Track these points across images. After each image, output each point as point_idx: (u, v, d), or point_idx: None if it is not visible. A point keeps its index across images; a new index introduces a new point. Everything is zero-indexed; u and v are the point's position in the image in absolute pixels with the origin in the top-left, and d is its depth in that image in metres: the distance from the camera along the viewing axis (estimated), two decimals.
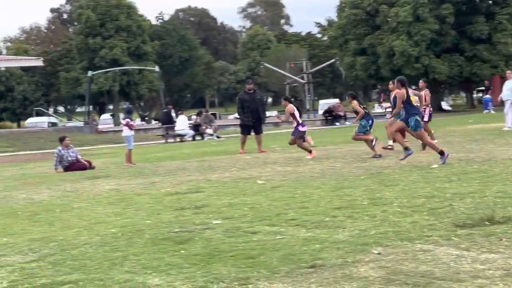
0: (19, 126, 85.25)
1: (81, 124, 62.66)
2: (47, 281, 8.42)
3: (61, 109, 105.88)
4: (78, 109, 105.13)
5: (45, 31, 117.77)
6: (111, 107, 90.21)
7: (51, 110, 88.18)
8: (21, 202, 16.36)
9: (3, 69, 61.88)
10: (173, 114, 49.86)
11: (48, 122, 70.32)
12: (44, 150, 40.98)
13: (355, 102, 21.37)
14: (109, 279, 8.28)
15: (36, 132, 52.71)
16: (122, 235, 10.93)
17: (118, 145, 41.37)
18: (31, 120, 77.29)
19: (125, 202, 14.81)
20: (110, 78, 73.37)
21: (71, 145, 25.19)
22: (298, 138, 22.35)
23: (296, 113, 22.63)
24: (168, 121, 47.17)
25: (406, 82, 18.76)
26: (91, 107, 67.10)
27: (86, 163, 24.71)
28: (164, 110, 51.08)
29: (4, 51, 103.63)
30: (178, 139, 44.22)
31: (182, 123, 44.88)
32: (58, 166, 24.56)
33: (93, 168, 24.26)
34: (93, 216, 13.22)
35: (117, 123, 68.89)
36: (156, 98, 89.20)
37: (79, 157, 25.03)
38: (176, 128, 44.89)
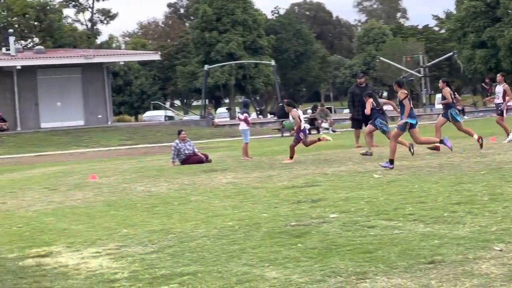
0: (136, 119, 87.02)
1: (197, 117, 63.44)
2: (166, 272, 8.55)
3: (177, 102, 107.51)
4: (194, 103, 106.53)
5: (162, 25, 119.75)
6: (227, 100, 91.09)
7: (167, 104, 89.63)
8: (140, 194, 16.67)
9: (122, 63, 63.14)
10: None
11: (165, 116, 71.44)
12: (161, 144, 41.68)
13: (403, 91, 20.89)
14: (227, 271, 8.34)
15: (153, 126, 53.67)
16: (239, 228, 11.00)
17: (234, 138, 41.74)
18: (148, 114, 78.69)
19: (242, 196, 14.90)
20: (226, 72, 74.06)
21: (187, 139, 25.49)
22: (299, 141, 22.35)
23: (301, 117, 22.85)
24: (284, 115, 47.24)
25: (404, 84, 19.36)
26: (207, 100, 67.83)
27: (203, 156, 24.96)
28: (280, 104, 51.25)
29: (123, 46, 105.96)
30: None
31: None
32: (175, 159, 24.90)
33: (209, 161, 24.50)
34: (210, 209, 13.35)
35: (233, 116, 69.52)
36: (272, 92, 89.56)
37: (196, 150, 25.30)
38: None
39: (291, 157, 21.97)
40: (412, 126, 18.72)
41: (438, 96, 29.36)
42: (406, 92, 18.78)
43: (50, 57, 52.68)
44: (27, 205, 16.22)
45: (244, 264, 8.64)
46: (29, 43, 74.54)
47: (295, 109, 22.75)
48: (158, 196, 16.06)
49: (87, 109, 53.53)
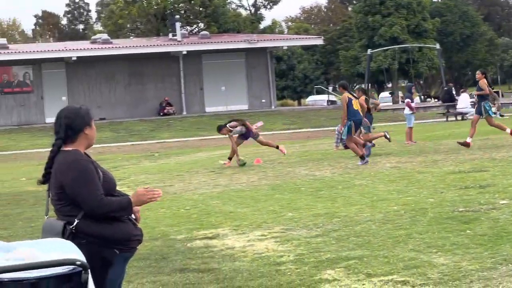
0: (299, 104, 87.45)
1: None
2: (331, 256, 8.52)
3: None
4: (357, 87, 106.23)
5: (325, 10, 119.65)
6: (389, 85, 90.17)
7: (330, 88, 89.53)
8: (304, 178, 16.71)
9: (285, 48, 63.47)
10: (454, 92, 48.83)
11: (327, 100, 71.46)
12: (324, 128, 41.70)
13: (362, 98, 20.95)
14: (394, 256, 8.23)
15: (316, 110, 53.76)
16: (405, 213, 10.84)
17: (398, 123, 41.22)
18: (311, 98, 78.88)
19: (407, 180, 14.69)
20: (389, 56, 73.21)
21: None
22: None
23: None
24: (449, 99, 46.34)
25: (347, 86, 19.64)
26: (369, 85, 67.33)
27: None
28: (445, 88, 50.22)
29: (286, 31, 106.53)
30: (459, 118, 43.33)
31: (464, 101, 43.87)
32: (338, 143, 24.86)
33: (373, 145, 24.26)
34: (375, 193, 13.22)
35: (395, 101, 68.74)
36: (436, 76, 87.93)
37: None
38: (457, 107, 43.98)
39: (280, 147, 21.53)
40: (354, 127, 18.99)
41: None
42: (350, 96, 19.20)
43: (214, 42, 53.57)
44: (194, 188, 16.57)
45: (411, 250, 8.50)
46: (195, 29, 76.11)
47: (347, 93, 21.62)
48: (322, 180, 16.05)
49: (251, 93, 54.18)
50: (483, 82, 21.04)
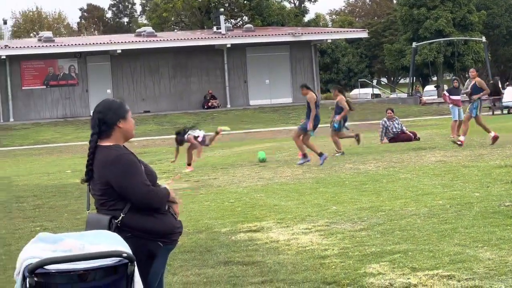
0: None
1: (404, 95, 62.63)
2: (376, 250, 8.49)
3: (384, 80, 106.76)
4: (401, 81, 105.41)
5: (369, 3, 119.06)
6: (434, 78, 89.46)
7: (374, 82, 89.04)
8: (348, 171, 16.66)
9: (329, 41, 63.17)
10: (500, 86, 48.33)
11: (372, 94, 71.09)
12: (368, 121, 41.50)
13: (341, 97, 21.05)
14: (439, 250, 8.17)
15: (360, 103, 53.52)
16: (450, 207, 10.76)
17: (443, 116, 40.92)
18: (355, 92, 78.55)
19: (452, 174, 14.57)
20: (434, 49, 72.59)
21: (395, 117, 25.28)
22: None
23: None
24: (495, 93, 45.90)
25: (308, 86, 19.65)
26: (414, 78, 66.83)
27: (411, 134, 24.68)
28: (491, 82, 49.73)
29: (330, 24, 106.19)
30: (505, 111, 42.89)
31: (510, 94, 43.44)
32: (383, 137, 24.78)
33: (418, 139, 24.15)
34: (420, 187, 13.14)
35: (440, 94, 68.17)
36: (482, 70, 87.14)
37: (404, 128, 25.07)
38: (503, 100, 43.55)
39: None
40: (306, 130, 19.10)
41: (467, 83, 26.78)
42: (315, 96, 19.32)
43: (259, 35, 53.54)
44: (238, 181, 16.59)
45: (457, 244, 8.44)
46: (239, 22, 76.17)
47: (343, 96, 21.34)
48: (367, 173, 15.99)
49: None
50: (480, 81, 20.86)
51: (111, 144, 5.41)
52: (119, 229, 5.16)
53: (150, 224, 5.28)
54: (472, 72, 21.51)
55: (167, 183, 5.36)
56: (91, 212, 5.46)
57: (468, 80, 22.98)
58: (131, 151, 5.52)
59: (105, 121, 5.41)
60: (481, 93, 20.86)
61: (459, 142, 20.38)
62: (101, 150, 5.38)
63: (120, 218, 5.24)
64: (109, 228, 5.16)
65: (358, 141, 21.54)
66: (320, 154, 18.71)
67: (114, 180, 5.27)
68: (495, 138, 20.26)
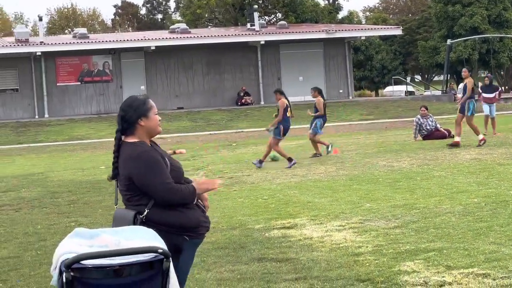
0: (377, 94, 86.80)
1: (438, 93, 62.27)
2: (410, 248, 8.44)
3: (418, 77, 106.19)
4: (435, 78, 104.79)
5: (404, 0, 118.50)
6: None
7: (408, 79, 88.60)
8: (382, 169, 16.59)
9: (363, 38, 62.94)
10: None
11: (406, 91, 70.77)
12: (402, 119, 41.31)
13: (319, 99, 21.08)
14: (474, 249, 8.12)
15: (394, 101, 53.28)
16: (485, 205, 10.69)
17: (477, 114, 40.59)
18: (389, 89, 78.21)
19: (487, 172, 14.47)
20: (469, 46, 72.12)
21: (429, 114, 25.15)
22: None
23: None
24: None
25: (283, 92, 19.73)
26: (448, 76, 66.40)
27: (445, 132, 24.55)
28: None
29: (363, 21, 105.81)
30: None
31: None
32: (417, 134, 24.66)
33: (452, 137, 23.98)
34: (454, 185, 13.06)
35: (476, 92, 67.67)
36: None
37: (438, 125, 24.94)
38: None
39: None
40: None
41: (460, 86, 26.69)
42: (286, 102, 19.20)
43: (292, 32, 53.51)
44: (271, 178, 16.59)
45: (492, 242, 8.38)
46: (272, 19, 76.14)
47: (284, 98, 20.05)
48: (400, 171, 15.92)
49: (328, 83, 53.98)
50: (470, 82, 20.64)
51: (136, 140, 5.44)
52: (144, 224, 5.19)
53: (173, 219, 5.30)
54: (463, 72, 21.34)
55: (199, 175, 5.33)
56: (119, 208, 5.50)
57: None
58: (157, 147, 5.54)
59: (126, 119, 5.47)
60: (465, 97, 20.66)
61: (454, 143, 20.26)
62: (125, 147, 5.43)
63: (145, 213, 5.27)
64: (134, 223, 5.21)
65: (327, 151, 21.08)
66: (289, 159, 18.71)
67: (136, 176, 5.30)
68: (482, 141, 20.12)
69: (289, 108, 19.41)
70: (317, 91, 21.61)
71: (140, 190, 5.33)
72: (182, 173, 5.52)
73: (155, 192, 5.26)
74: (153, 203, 5.29)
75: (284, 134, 19.40)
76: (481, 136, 20.39)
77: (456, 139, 20.56)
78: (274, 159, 20.27)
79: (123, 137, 5.49)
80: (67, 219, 12.47)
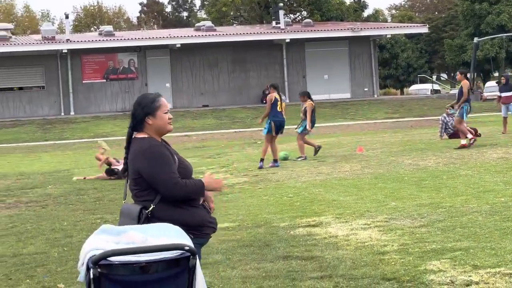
0: (402, 92, 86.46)
1: None
2: (437, 247, 8.40)
3: (444, 76, 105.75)
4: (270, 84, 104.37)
5: None
6: (496, 74, 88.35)
7: (434, 77, 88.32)
8: (407, 167, 16.53)
9: (388, 36, 62.77)
10: None
11: (431, 89, 70.48)
12: (427, 117, 41.13)
13: (309, 103, 20.62)
14: (501, 248, 8.07)
15: (419, 99, 53.07)
16: None
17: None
18: (415, 87, 77.90)
19: None
20: (496, 44, 71.71)
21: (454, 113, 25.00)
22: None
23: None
24: None
25: (278, 86, 19.49)
26: (475, 74, 66.08)
27: (471, 130, 24.37)
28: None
29: (389, 19, 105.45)
30: None
31: None
32: (443, 133, 24.54)
33: (478, 135, 23.85)
34: (481, 184, 12.98)
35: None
36: None
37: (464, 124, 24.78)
38: None
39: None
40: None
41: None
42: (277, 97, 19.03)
43: (318, 30, 53.43)
44: (296, 175, 16.58)
45: None
46: (298, 17, 76.06)
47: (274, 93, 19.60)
48: (426, 169, 15.85)
49: (354, 82, 53.89)
50: (465, 84, 20.52)
51: (145, 136, 5.50)
52: (149, 220, 5.24)
53: (179, 216, 5.32)
54: (457, 75, 21.30)
55: (207, 175, 5.37)
56: (126, 202, 5.56)
57: None
58: (169, 146, 5.59)
59: (135, 116, 5.55)
60: (462, 100, 20.59)
61: (461, 145, 20.08)
62: (135, 141, 5.50)
63: (151, 208, 5.32)
64: (139, 218, 5.26)
65: (316, 151, 20.92)
66: (275, 160, 18.73)
67: (143, 170, 5.36)
68: (463, 146, 19.95)
69: (278, 103, 19.05)
70: (306, 96, 21.12)
71: (147, 185, 5.38)
72: (190, 171, 5.57)
73: (161, 185, 5.31)
74: (160, 199, 5.33)
75: (278, 131, 18.99)
76: (463, 141, 20.23)
77: (463, 141, 20.35)
78: (284, 159, 20.14)
79: (134, 133, 5.56)
80: (93, 216, 12.53)
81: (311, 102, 20.85)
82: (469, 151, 18.98)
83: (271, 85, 19.90)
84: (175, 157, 5.48)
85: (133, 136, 5.56)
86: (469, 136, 20.41)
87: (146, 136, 5.50)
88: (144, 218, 5.27)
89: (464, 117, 20.65)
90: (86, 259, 4.33)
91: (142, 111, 5.52)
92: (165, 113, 5.57)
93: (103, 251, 4.27)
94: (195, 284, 4.45)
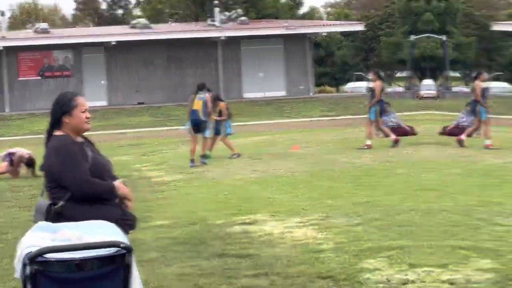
0: (337, 90, 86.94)
1: (401, 89, 62.52)
2: (373, 245, 8.39)
3: (380, 74, 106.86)
4: (398, 74, 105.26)
5: None
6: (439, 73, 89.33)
7: (370, 75, 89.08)
8: (343, 165, 16.56)
9: (324, 34, 63.08)
10: None
11: (367, 87, 71.01)
12: (363, 115, 41.34)
13: (222, 104, 20.56)
14: (437, 247, 8.11)
15: (355, 97, 53.39)
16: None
17: (441, 112, 40.83)
18: (350, 85, 78.32)
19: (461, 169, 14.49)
20: (437, 42, 72.59)
21: (392, 111, 25.08)
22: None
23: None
24: None
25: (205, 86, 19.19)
26: (411, 72, 66.75)
27: (408, 128, 24.51)
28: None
29: (325, 17, 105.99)
30: None
31: None
32: (378, 131, 24.58)
33: (415, 134, 23.99)
34: (417, 183, 13.02)
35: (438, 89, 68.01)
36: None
37: (401, 122, 24.88)
38: None
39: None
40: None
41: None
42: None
43: (253, 28, 53.38)
44: (232, 173, 16.49)
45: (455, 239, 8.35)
46: (233, 14, 76.02)
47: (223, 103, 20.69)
48: (362, 168, 15.88)
49: (289, 79, 53.95)
50: (377, 85, 20.90)
51: (62, 134, 5.57)
52: (59, 216, 5.26)
53: (88, 214, 5.24)
54: (371, 75, 21.70)
55: (120, 181, 5.38)
56: (41, 199, 5.61)
57: None
58: (85, 143, 5.62)
59: (52, 114, 5.66)
60: (373, 100, 20.96)
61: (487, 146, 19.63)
62: (52, 139, 5.58)
63: (59, 205, 5.35)
64: (48, 214, 5.31)
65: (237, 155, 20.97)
66: (192, 160, 18.52)
67: (53, 167, 5.42)
68: (368, 146, 20.15)
69: (194, 101, 18.87)
70: (215, 98, 20.81)
71: (57, 182, 5.42)
72: (106, 169, 5.59)
73: (68, 183, 5.35)
74: (70, 196, 5.35)
75: (195, 130, 18.79)
76: (368, 142, 20.41)
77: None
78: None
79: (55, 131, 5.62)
80: (29, 213, 12.24)
81: (224, 103, 20.89)
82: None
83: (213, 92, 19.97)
84: (89, 155, 5.48)
85: (52, 134, 5.61)
86: (368, 142, 20.44)
87: (62, 134, 5.55)
88: (53, 215, 5.29)
89: (373, 117, 20.82)
90: (22, 256, 4.36)
91: (60, 110, 5.59)
92: (83, 112, 5.61)
93: (39, 248, 4.31)
94: (130, 281, 4.48)
